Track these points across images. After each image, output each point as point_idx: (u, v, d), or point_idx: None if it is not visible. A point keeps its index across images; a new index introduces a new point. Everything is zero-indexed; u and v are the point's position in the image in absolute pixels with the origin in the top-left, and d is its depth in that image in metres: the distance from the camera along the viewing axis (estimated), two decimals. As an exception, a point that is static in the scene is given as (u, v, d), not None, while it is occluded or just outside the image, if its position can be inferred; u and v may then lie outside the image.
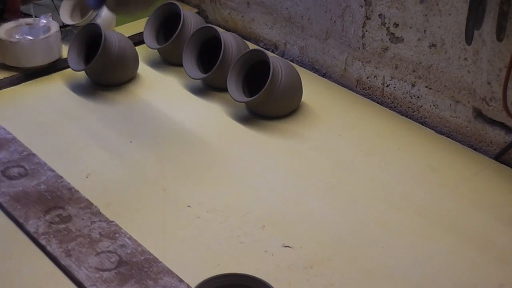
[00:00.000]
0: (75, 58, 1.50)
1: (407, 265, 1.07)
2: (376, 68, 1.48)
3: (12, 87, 1.51)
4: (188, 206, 1.18)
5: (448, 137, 1.38)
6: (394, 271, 1.05)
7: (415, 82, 1.42)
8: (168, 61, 1.61)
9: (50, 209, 1.14)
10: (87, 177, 1.24)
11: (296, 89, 1.43)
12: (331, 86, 1.56)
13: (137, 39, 1.63)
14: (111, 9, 1.26)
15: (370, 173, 1.27)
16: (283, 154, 1.33)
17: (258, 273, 1.04)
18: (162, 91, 1.52)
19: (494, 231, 1.13)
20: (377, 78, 1.49)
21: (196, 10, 1.85)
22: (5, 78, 1.52)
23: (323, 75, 1.61)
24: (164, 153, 1.31)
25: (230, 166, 1.29)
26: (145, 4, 1.26)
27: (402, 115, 1.45)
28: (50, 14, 1.58)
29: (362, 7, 1.45)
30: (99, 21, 1.60)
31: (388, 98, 1.49)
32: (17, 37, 1.54)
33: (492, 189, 1.23)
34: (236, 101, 1.40)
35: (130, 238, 1.09)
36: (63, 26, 1.64)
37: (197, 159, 1.30)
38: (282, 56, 1.67)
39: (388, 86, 1.48)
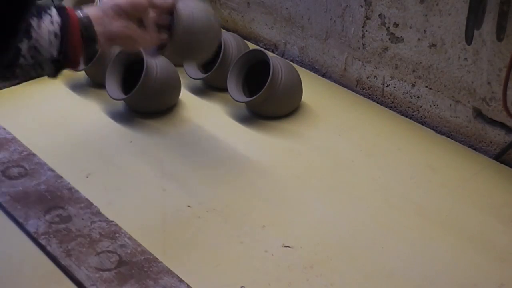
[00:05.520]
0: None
1: (407, 265, 1.07)
2: (376, 68, 1.48)
3: (12, 87, 1.50)
4: (188, 206, 1.18)
5: (448, 137, 1.38)
6: (394, 271, 1.05)
7: (415, 82, 1.42)
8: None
9: (50, 209, 1.14)
10: (87, 177, 1.24)
11: (296, 89, 1.43)
12: (331, 86, 1.56)
13: (137, 39, 1.63)
14: (169, 57, 1.25)
15: (370, 173, 1.27)
16: (283, 154, 1.33)
17: (258, 273, 1.04)
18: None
19: (494, 231, 1.13)
20: (377, 78, 1.49)
21: (196, 10, 1.85)
22: (5, 78, 1.52)
23: (323, 75, 1.61)
24: (164, 153, 1.31)
25: (230, 166, 1.29)
26: (204, 54, 1.25)
27: (402, 115, 1.46)
28: (50, 14, 1.59)
29: (362, 7, 1.45)
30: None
31: (388, 98, 1.49)
32: (17, 37, 1.54)
33: (492, 189, 1.23)
34: (236, 101, 1.40)
35: (130, 238, 1.09)
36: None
37: (196, 159, 1.30)
38: (282, 56, 1.67)
39: (388, 86, 1.48)
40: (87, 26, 1.05)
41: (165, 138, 1.36)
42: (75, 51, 1.03)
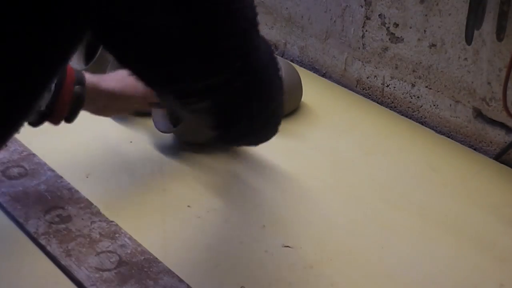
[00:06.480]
0: (76, 56, 1.50)
1: (407, 265, 1.07)
2: (376, 68, 1.48)
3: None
4: (188, 206, 1.18)
5: (448, 137, 1.38)
6: (394, 271, 1.05)
7: (415, 82, 1.42)
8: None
9: (50, 209, 1.14)
10: (87, 177, 1.24)
11: (296, 89, 1.43)
12: (331, 86, 1.56)
13: (137, 39, 1.63)
14: (178, 135, 1.31)
15: (370, 173, 1.27)
16: (283, 154, 1.32)
17: (258, 273, 1.04)
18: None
19: (494, 231, 1.13)
20: (377, 78, 1.49)
21: (196, 10, 1.84)
22: (5, 78, 1.52)
23: (323, 75, 1.61)
24: (164, 153, 1.31)
25: (230, 166, 1.29)
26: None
27: (402, 115, 1.46)
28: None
29: (362, 7, 1.45)
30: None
31: (388, 98, 1.49)
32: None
33: (492, 189, 1.23)
34: (236, 101, 1.40)
35: (130, 238, 1.09)
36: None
37: (197, 159, 1.30)
38: (282, 56, 1.67)
39: (388, 86, 1.48)
40: (80, 90, 1.11)
41: (165, 138, 1.36)
42: (62, 109, 1.10)
